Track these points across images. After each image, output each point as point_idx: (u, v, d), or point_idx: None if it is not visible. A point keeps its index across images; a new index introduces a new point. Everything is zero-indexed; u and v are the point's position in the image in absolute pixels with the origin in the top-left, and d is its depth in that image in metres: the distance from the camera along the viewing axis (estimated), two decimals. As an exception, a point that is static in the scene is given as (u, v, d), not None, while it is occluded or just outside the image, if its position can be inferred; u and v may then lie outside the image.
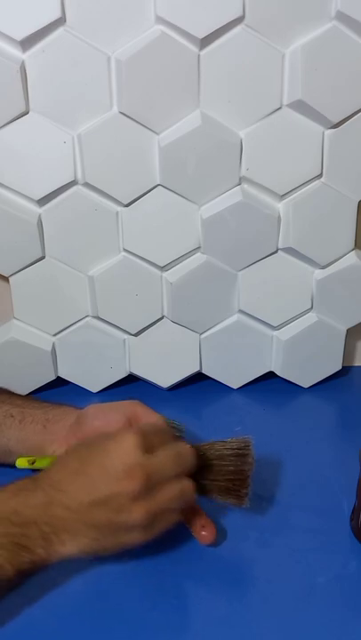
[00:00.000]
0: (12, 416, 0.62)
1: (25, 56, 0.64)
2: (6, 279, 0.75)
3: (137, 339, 0.79)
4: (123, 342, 0.79)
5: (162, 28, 0.64)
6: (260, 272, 0.75)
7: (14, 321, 0.77)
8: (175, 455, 0.51)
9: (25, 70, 0.65)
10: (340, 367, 0.83)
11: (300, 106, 0.67)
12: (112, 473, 0.48)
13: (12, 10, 0.62)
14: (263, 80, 0.66)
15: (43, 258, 0.74)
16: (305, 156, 0.70)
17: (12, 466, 0.60)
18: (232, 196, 0.71)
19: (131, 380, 0.82)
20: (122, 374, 0.81)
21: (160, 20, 0.63)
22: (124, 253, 0.74)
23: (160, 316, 0.78)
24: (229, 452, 0.55)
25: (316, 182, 0.71)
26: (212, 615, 0.50)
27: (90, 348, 0.79)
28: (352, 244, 0.75)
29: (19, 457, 0.60)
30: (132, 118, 0.67)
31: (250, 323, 0.79)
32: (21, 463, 0.59)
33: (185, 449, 0.52)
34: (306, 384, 0.83)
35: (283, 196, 0.72)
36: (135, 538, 0.49)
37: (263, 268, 0.75)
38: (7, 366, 0.78)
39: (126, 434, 0.50)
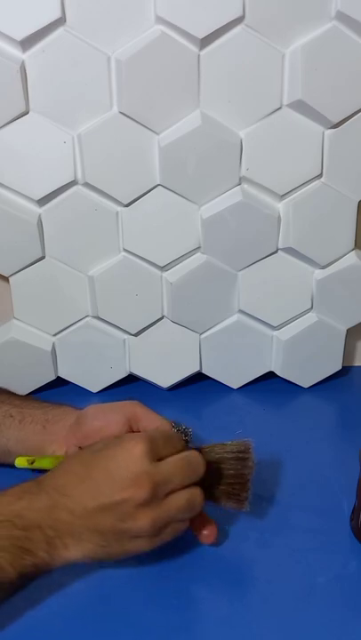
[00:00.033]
0: (12, 416, 0.62)
1: (25, 56, 0.64)
2: (6, 279, 0.75)
3: (137, 339, 0.79)
4: (123, 342, 0.79)
5: (162, 27, 0.64)
6: (260, 272, 0.75)
7: (14, 321, 0.77)
8: (185, 464, 0.50)
9: (25, 70, 0.65)
10: (340, 367, 0.83)
11: (300, 106, 0.67)
12: (118, 480, 0.48)
13: (11, 10, 0.62)
14: (263, 80, 0.66)
15: (43, 258, 0.74)
16: (305, 155, 0.70)
17: (12, 466, 0.60)
18: (232, 196, 0.71)
19: (131, 379, 0.82)
20: (122, 374, 0.81)
21: (160, 19, 0.63)
22: (124, 253, 0.74)
23: (160, 316, 0.78)
24: (230, 455, 0.54)
25: (316, 182, 0.71)
26: (213, 615, 0.50)
27: (90, 348, 0.79)
28: (352, 244, 0.75)
29: (18, 456, 0.59)
30: (132, 118, 0.67)
31: (250, 323, 0.79)
32: (21, 462, 0.59)
33: (195, 457, 0.51)
34: (306, 384, 0.83)
35: (283, 196, 0.72)
36: (140, 545, 0.49)
37: (263, 268, 0.75)
38: (7, 366, 0.78)
39: (134, 440, 0.49)
